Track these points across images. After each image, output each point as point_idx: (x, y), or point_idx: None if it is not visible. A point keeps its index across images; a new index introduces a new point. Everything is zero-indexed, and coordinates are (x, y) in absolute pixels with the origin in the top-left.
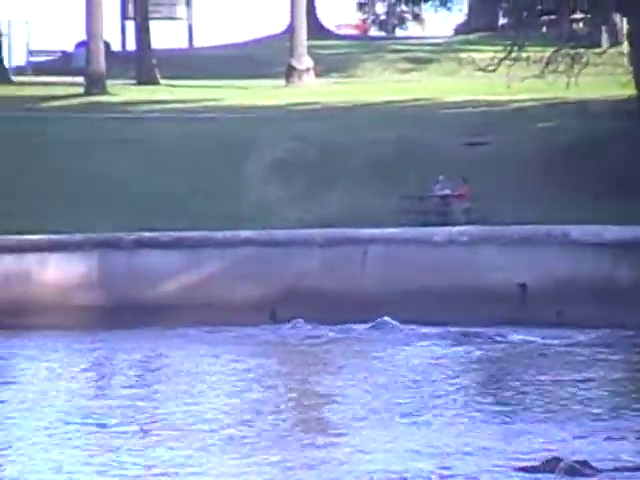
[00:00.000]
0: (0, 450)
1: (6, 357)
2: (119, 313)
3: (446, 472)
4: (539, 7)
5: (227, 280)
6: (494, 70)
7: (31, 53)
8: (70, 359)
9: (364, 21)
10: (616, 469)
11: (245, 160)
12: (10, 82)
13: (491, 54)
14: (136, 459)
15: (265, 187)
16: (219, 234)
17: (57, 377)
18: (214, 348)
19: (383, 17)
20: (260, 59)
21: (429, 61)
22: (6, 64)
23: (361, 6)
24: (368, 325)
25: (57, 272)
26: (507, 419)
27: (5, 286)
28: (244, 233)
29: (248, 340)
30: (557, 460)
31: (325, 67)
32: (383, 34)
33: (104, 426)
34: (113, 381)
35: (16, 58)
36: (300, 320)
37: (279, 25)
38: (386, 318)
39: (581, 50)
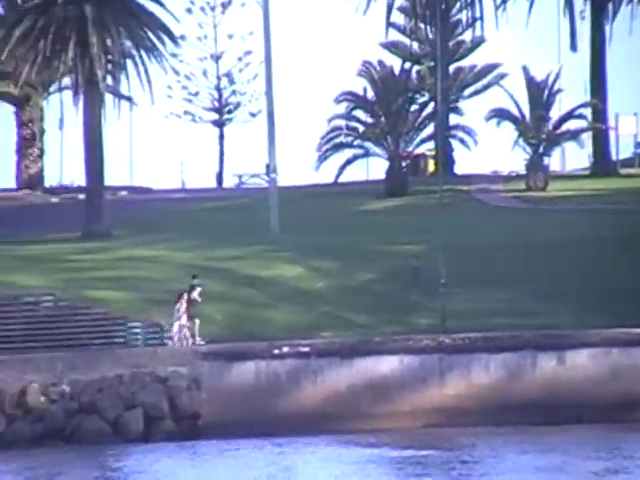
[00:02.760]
0: None
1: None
2: None
3: None
4: None
5: None
6: None
7: (638, 145)
8: None
9: None
10: None
11: None
12: (617, 174)
13: None
14: None
15: None
16: None
17: None
18: None
19: None
20: None
21: None
22: (613, 156)
23: None
24: None
25: None
26: None
27: (614, 380)
28: None
29: None
30: None
31: None
32: None
33: None
34: None
35: (623, 150)
36: None
37: None
38: None
39: None
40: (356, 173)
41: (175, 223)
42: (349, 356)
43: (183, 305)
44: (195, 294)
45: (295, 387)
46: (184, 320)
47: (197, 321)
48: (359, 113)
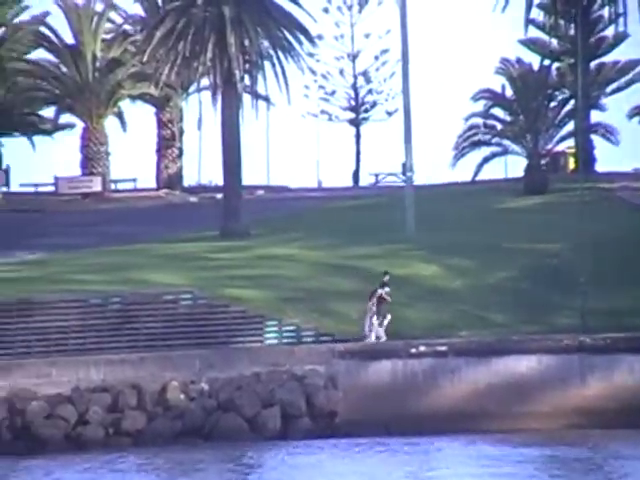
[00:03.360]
0: None
1: None
2: None
3: None
4: None
5: None
6: None
7: None
8: None
9: None
10: None
11: None
12: None
13: None
14: None
15: None
16: None
17: None
18: None
19: None
20: None
21: None
22: None
23: None
24: None
25: None
26: None
27: None
28: None
29: None
30: None
31: None
32: None
33: None
34: None
35: None
36: None
37: None
38: None
39: None
40: (494, 171)
41: (311, 222)
42: (487, 355)
43: (375, 302)
44: (385, 292)
45: (432, 386)
46: (375, 318)
47: (388, 317)
48: (497, 111)
